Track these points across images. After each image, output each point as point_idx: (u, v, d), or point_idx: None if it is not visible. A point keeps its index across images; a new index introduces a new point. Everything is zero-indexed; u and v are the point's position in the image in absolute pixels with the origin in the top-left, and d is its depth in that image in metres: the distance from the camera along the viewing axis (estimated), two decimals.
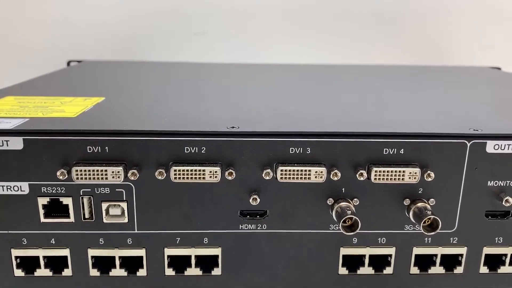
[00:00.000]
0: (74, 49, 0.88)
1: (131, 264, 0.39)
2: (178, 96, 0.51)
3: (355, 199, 0.38)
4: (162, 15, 0.88)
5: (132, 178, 0.35)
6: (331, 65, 0.83)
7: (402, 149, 0.36)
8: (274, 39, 0.90)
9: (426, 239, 0.40)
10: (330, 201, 0.37)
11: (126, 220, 0.37)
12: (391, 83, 0.64)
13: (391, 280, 0.40)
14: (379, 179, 0.36)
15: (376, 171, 0.36)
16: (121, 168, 0.35)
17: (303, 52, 0.90)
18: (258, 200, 0.36)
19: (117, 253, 0.38)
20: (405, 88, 0.61)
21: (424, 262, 0.40)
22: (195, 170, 0.35)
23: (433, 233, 0.37)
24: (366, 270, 0.40)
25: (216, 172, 0.35)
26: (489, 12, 0.90)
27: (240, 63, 0.84)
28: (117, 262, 0.39)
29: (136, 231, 0.38)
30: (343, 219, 0.36)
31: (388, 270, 0.40)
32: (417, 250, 0.39)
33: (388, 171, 0.36)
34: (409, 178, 0.36)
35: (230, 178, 0.36)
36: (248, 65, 0.81)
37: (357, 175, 0.36)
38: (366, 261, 0.39)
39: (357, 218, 0.36)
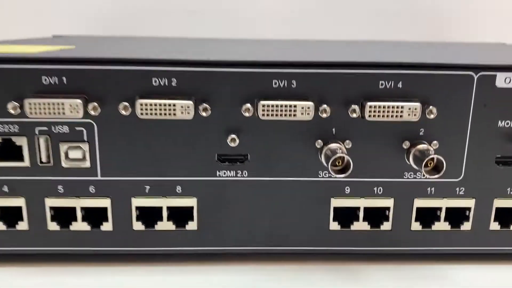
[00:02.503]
0: (60, 25, 0.84)
1: (94, 216, 0.35)
2: (155, 46, 0.47)
3: (347, 141, 0.34)
4: None
5: (93, 113, 0.31)
6: (331, 40, 0.79)
7: (400, 82, 0.32)
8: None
9: (428, 189, 0.35)
10: (319, 143, 0.34)
11: (88, 164, 0.33)
12: (391, 47, 0.60)
13: (389, 237, 0.36)
14: (374, 116, 0.32)
15: (370, 107, 0.32)
16: (80, 101, 0.31)
17: None
18: (237, 141, 0.33)
19: (78, 203, 0.34)
20: (407, 48, 0.57)
21: (427, 216, 0.36)
22: (165, 105, 0.31)
23: (437, 175, 0.32)
24: (360, 225, 0.36)
25: (188, 107, 0.31)
26: None
27: (230, 38, 0.80)
28: (79, 214, 0.35)
29: (99, 178, 0.34)
30: (333, 158, 0.32)
31: (386, 226, 0.36)
32: (418, 203, 0.35)
33: (384, 107, 0.32)
34: (409, 115, 0.32)
35: (204, 114, 0.32)
36: (240, 40, 0.77)
37: (349, 112, 0.32)
38: (361, 214, 0.35)
39: (349, 158, 0.32)
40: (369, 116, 0.33)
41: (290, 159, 0.34)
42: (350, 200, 0.35)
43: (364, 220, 0.35)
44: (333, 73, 0.32)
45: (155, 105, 0.31)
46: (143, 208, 0.35)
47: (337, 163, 0.33)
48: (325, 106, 0.32)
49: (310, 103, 0.32)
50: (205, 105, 0.32)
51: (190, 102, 0.32)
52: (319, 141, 0.34)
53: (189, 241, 0.36)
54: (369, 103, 0.32)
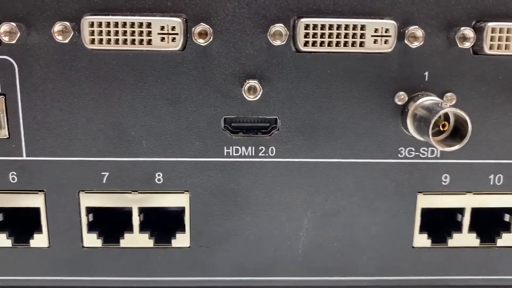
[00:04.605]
0: None
1: (18, 224, 0.26)
2: None
3: (449, 93, 0.24)
4: None
5: (9, 40, 0.21)
6: None
7: None
8: None
9: None
10: (400, 97, 0.23)
11: (4, 133, 0.24)
12: None
13: (509, 259, 0.26)
14: (497, 48, 0.22)
15: (493, 31, 0.22)
16: None
17: None
18: (260, 92, 0.22)
19: None
20: None
21: None
22: (132, 25, 0.22)
23: None
24: (464, 238, 0.25)
25: (174, 28, 0.21)
26: None
27: None
28: None
29: (24, 158, 0.24)
30: (436, 117, 0.21)
31: (507, 240, 0.25)
32: None
33: None
34: None
35: (201, 42, 0.22)
36: None
37: (456, 40, 0.22)
38: (466, 221, 0.25)
39: (463, 114, 0.21)
40: (490, 47, 0.22)
41: (349, 127, 0.24)
42: (449, 197, 0.25)
43: (471, 230, 0.26)
44: None
45: (117, 25, 0.21)
46: (100, 210, 0.25)
47: (440, 127, 0.22)
48: (415, 29, 0.22)
49: (390, 23, 0.22)
50: (202, 26, 0.22)
51: (176, 21, 0.21)
52: (402, 93, 0.23)
53: (177, 266, 0.26)
54: (490, 25, 0.22)
